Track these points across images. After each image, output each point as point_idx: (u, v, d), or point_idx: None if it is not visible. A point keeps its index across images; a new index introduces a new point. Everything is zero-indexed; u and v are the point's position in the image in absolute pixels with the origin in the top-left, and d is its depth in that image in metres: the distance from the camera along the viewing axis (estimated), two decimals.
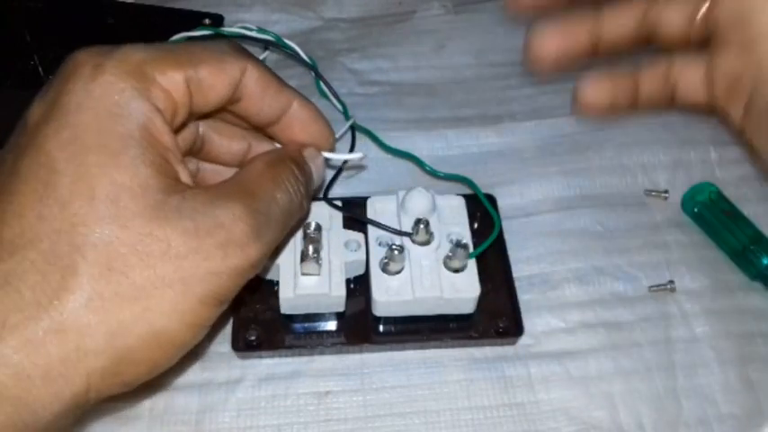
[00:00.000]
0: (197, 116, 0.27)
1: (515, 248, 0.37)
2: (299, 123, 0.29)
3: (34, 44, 0.45)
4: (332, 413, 0.32)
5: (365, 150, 0.42)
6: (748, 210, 0.39)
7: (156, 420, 0.32)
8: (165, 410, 0.32)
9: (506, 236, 0.37)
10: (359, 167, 0.41)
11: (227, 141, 0.30)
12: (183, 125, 0.27)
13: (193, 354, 0.28)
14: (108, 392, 0.24)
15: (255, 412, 0.32)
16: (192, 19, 0.42)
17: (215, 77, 0.26)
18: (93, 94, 0.23)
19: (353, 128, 0.42)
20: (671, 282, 0.36)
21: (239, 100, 0.27)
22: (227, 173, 0.30)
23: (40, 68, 0.45)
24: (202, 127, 0.30)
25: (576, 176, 0.41)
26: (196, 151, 0.31)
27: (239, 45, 0.28)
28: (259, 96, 0.27)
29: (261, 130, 0.30)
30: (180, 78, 0.25)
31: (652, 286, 0.36)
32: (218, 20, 0.43)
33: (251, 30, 0.43)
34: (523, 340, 0.34)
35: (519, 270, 0.37)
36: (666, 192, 0.40)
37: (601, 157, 0.42)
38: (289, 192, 0.27)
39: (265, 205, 0.25)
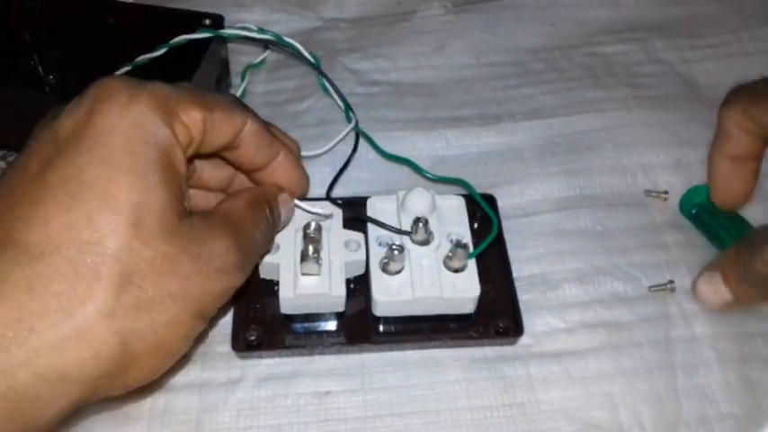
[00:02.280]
0: (200, 155, 0.29)
1: (515, 248, 0.37)
2: (281, 170, 0.31)
3: (34, 44, 0.45)
4: (332, 413, 0.32)
5: (365, 151, 0.42)
6: (748, 210, 0.39)
7: (155, 420, 0.32)
8: (165, 410, 0.32)
9: (506, 236, 0.37)
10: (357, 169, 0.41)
11: (215, 168, 0.32)
12: (190, 161, 0.29)
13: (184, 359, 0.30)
14: (109, 393, 0.25)
15: (255, 412, 0.32)
16: (193, 19, 0.42)
17: (224, 123, 0.28)
18: (127, 119, 0.25)
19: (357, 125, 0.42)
20: (671, 282, 0.36)
21: (237, 148, 0.29)
22: (213, 197, 0.33)
23: (39, 68, 0.45)
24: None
25: (576, 177, 0.41)
26: (186, 179, 0.32)
27: (241, 100, 0.31)
28: (254, 147, 0.30)
29: (245, 174, 0.32)
30: (199, 117, 0.27)
31: (652, 286, 0.36)
32: (218, 20, 0.42)
33: (251, 30, 0.43)
34: (523, 340, 0.34)
35: (519, 270, 0.37)
36: (666, 192, 0.40)
37: (601, 157, 0.42)
38: (262, 233, 0.30)
39: (247, 241, 0.28)
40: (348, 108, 0.43)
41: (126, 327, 0.24)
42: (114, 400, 0.30)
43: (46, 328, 0.22)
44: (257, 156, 0.30)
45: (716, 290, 0.35)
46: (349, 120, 0.42)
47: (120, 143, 0.25)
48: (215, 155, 0.30)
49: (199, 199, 0.33)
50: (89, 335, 0.23)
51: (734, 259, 0.34)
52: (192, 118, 0.27)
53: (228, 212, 0.29)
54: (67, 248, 0.23)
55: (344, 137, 0.42)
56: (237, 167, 0.32)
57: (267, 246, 0.31)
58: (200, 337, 0.32)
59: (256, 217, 0.29)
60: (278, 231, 0.33)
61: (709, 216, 0.38)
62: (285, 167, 0.31)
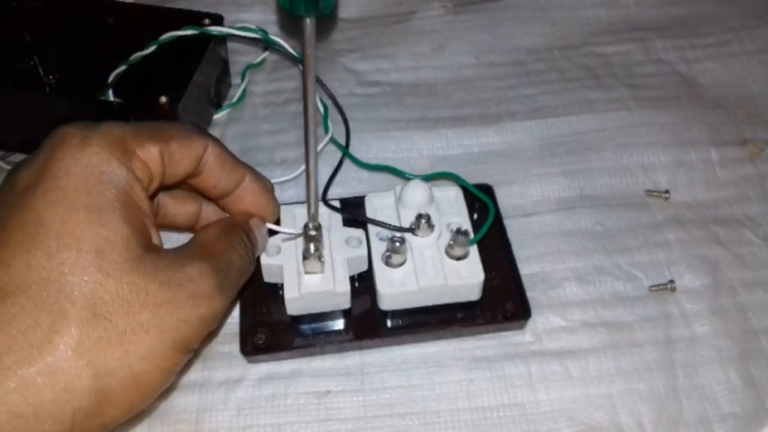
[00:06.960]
0: (165, 186, 0.29)
1: (517, 248, 0.37)
2: (249, 195, 0.32)
3: (34, 44, 0.45)
4: (332, 413, 0.32)
5: (365, 150, 0.42)
6: (748, 209, 0.39)
7: (156, 420, 0.32)
8: (165, 410, 0.32)
9: (507, 236, 0.37)
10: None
11: (180, 204, 0.33)
12: (155, 194, 0.30)
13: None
14: None
15: (255, 411, 0.32)
16: (192, 19, 0.42)
17: (183, 151, 0.28)
18: (81, 161, 0.25)
19: (347, 127, 0.42)
20: (671, 281, 0.36)
21: (200, 174, 0.30)
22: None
23: (39, 68, 0.45)
24: (159, 194, 0.32)
25: (576, 177, 0.41)
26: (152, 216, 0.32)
27: (201, 126, 0.31)
28: (217, 171, 0.30)
29: (214, 201, 0.32)
30: (156, 151, 0.27)
31: (652, 286, 0.36)
32: (217, 20, 0.42)
33: (239, 28, 0.43)
34: (525, 338, 0.34)
35: (520, 269, 0.36)
36: (668, 192, 0.40)
37: (601, 157, 0.42)
38: (241, 255, 0.30)
39: (224, 265, 0.29)
40: (326, 117, 0.42)
41: (97, 359, 0.24)
42: None
43: (14, 364, 0.23)
44: (222, 180, 0.30)
45: None
46: (327, 129, 0.42)
47: (76, 184, 0.25)
48: (181, 184, 0.30)
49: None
50: (59, 368, 0.23)
51: None
52: (149, 153, 0.27)
53: (201, 241, 0.29)
54: (29, 287, 0.23)
55: (323, 148, 0.41)
56: (205, 194, 0.32)
57: (249, 267, 0.31)
58: (187, 365, 0.32)
59: (231, 241, 0.30)
60: (257, 255, 0.32)
61: None
62: (253, 192, 0.32)
